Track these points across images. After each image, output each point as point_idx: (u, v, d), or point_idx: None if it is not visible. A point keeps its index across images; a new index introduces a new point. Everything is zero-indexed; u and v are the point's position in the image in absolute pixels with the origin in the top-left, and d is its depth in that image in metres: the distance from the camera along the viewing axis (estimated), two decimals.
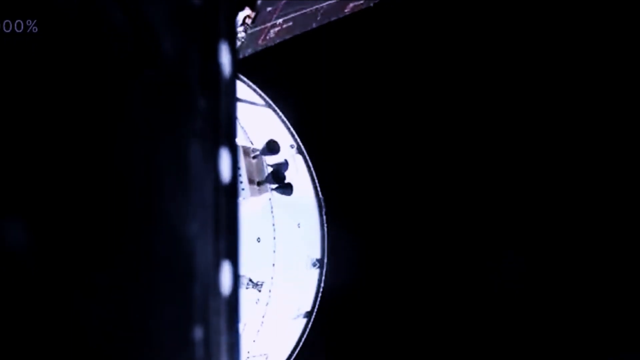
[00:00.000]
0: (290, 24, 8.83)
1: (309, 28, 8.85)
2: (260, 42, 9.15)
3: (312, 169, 10.24)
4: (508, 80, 13.46)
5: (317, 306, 10.32)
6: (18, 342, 0.92)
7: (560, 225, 13.48)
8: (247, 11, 8.33)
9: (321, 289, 10.27)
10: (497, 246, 13.48)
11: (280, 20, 8.86)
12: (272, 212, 9.28)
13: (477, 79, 13.52)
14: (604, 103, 13.06)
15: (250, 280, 9.05)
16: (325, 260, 10.21)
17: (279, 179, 8.71)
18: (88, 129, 1.00)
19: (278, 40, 9.23)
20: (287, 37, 9.18)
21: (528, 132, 13.55)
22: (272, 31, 9.02)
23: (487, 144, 13.72)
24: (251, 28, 8.87)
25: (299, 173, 9.90)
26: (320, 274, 10.21)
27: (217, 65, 1.17)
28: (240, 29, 8.78)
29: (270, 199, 9.20)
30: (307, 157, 10.25)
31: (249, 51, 9.32)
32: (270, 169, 8.77)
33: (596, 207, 13.26)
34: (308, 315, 10.32)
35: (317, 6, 8.82)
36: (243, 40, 8.88)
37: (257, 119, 9.83)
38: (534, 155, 13.70)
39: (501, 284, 12.65)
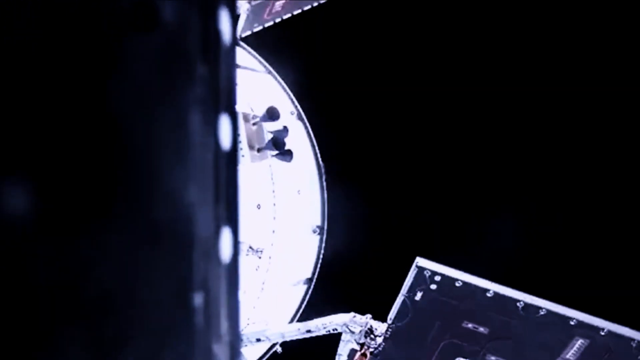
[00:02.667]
0: None
1: (315, 2, 8.77)
2: (266, 16, 9.03)
3: (312, 135, 10.23)
4: (512, 39, 13.39)
5: (317, 272, 10.39)
6: (15, 305, 0.93)
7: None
8: None
9: (321, 256, 10.32)
10: (498, 207, 13.52)
11: None
12: (272, 178, 9.29)
13: (477, 39, 13.44)
14: (593, 84, 13.02)
15: (250, 247, 9.09)
16: (326, 227, 10.25)
17: (278, 146, 8.70)
18: (86, 94, 0.99)
19: (284, 14, 9.10)
20: (294, 10, 9.07)
21: (525, 92, 13.52)
22: (277, 4, 8.90)
23: (487, 108, 13.68)
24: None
25: (298, 139, 9.89)
26: (321, 241, 10.26)
27: (217, 31, 1.16)
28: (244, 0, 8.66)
29: (270, 166, 9.20)
30: (307, 124, 10.24)
31: (256, 26, 9.21)
32: (270, 136, 8.74)
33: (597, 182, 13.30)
34: (308, 281, 10.40)
35: None
36: (248, 12, 8.76)
37: (257, 86, 9.79)
38: (534, 121, 13.69)
39: (500, 245, 12.70)
